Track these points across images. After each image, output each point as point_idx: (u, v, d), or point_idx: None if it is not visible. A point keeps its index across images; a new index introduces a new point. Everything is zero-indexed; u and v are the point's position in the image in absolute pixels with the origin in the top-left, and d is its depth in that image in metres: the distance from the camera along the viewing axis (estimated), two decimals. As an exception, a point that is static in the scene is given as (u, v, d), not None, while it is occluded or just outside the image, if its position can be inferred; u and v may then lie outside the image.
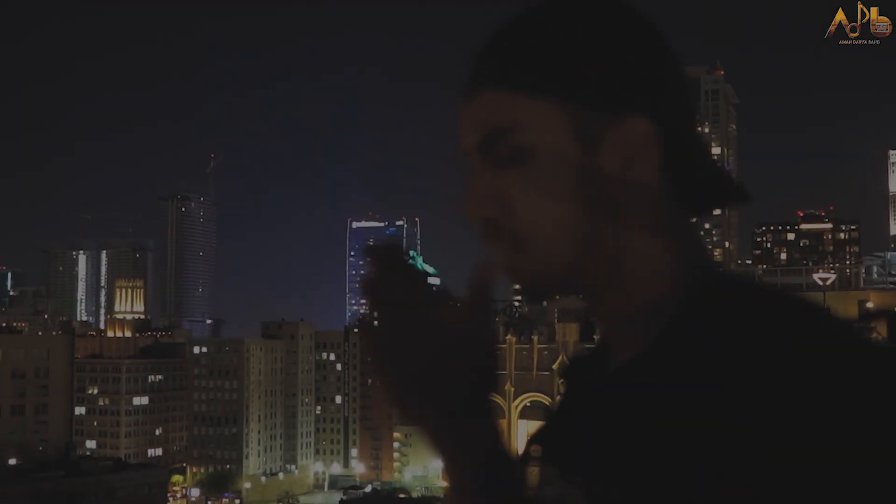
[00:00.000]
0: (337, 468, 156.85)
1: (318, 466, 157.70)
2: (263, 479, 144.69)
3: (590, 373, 0.98)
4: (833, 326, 0.83)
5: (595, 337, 0.95)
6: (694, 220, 0.98)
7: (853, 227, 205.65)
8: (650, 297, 0.92)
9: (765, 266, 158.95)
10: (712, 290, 0.89)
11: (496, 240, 0.92)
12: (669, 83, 0.92)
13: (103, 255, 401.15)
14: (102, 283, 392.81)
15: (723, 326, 0.84)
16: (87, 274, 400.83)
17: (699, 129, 0.98)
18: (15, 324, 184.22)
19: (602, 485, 0.87)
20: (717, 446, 0.78)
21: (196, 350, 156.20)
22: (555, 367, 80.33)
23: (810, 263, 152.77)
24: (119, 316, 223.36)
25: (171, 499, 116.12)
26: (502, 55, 0.92)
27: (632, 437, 0.85)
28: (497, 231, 0.91)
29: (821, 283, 71.48)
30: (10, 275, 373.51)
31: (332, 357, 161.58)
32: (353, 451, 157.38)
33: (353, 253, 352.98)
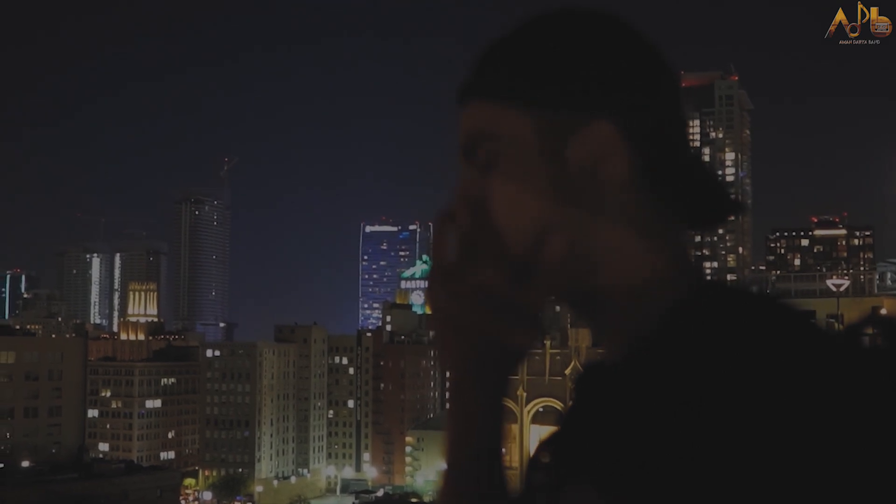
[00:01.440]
0: (349, 472, 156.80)
1: (331, 470, 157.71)
2: (275, 482, 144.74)
3: (599, 380, 0.99)
4: (819, 332, 0.84)
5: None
6: (700, 231, 0.99)
7: (867, 233, 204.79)
8: (632, 302, 0.93)
9: (778, 272, 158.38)
10: (698, 297, 0.91)
11: (475, 242, 0.95)
12: (642, 89, 0.95)
13: (117, 258, 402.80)
14: (116, 286, 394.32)
15: (706, 332, 0.85)
16: (100, 277, 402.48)
17: (689, 137, 0.99)
18: (29, 326, 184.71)
19: (599, 489, 0.88)
20: (700, 451, 0.78)
21: (209, 353, 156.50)
22: (567, 371, 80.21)
23: (824, 269, 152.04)
24: (132, 319, 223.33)
25: (183, 502, 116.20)
26: (480, 70, 0.99)
27: (619, 441, 0.86)
28: (476, 234, 0.95)
29: (834, 289, 71.12)
30: (23, 278, 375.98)
31: (345, 361, 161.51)
32: (366, 456, 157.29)
33: (365, 257, 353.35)
